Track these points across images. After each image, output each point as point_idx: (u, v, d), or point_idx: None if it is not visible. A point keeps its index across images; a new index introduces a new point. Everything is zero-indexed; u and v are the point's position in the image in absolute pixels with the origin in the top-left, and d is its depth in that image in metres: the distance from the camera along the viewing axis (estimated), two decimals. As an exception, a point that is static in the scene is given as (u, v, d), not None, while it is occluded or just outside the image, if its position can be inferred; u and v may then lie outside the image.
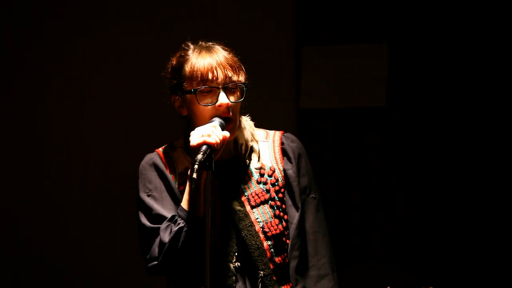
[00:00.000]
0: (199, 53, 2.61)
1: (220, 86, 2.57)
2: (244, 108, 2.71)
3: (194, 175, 2.38)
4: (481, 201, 4.50)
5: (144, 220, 2.62)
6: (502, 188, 4.48)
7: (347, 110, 4.66)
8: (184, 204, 2.55)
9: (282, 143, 2.73)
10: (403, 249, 4.58)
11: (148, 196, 2.64)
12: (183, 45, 2.67)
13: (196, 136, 2.49)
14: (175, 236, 2.52)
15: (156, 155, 2.70)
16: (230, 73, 2.59)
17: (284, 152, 2.72)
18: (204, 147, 2.46)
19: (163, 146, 2.73)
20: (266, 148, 2.73)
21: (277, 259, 2.62)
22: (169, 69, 2.67)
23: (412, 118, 4.60)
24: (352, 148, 4.64)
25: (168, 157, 2.69)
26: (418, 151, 4.60)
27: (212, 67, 2.57)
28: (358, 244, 4.61)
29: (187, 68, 2.60)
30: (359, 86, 4.66)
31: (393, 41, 4.63)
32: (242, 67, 2.64)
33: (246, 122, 2.72)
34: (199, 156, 2.42)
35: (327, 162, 4.62)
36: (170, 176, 2.65)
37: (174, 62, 2.65)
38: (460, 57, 4.54)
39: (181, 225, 2.52)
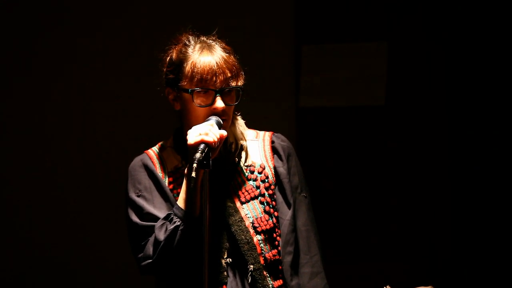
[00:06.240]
0: (200, 52, 2.60)
1: (217, 90, 2.58)
2: (244, 107, 2.72)
3: (193, 174, 2.38)
4: (481, 199, 4.50)
5: (135, 218, 2.61)
6: (502, 186, 4.48)
7: (346, 109, 4.66)
8: (181, 203, 2.55)
9: (272, 142, 2.74)
10: (402, 248, 4.58)
11: (138, 196, 2.64)
12: (183, 38, 2.66)
13: (194, 135, 2.49)
14: (171, 235, 2.52)
15: (145, 156, 2.70)
16: (228, 78, 2.59)
17: (274, 150, 2.73)
18: (202, 146, 2.46)
19: (152, 148, 2.73)
20: (256, 147, 2.74)
21: (267, 255, 2.63)
22: (167, 61, 2.66)
23: (411, 117, 4.60)
24: (351, 146, 4.64)
25: (157, 157, 2.69)
26: (417, 149, 4.60)
27: (212, 70, 2.57)
28: (357, 242, 4.61)
29: (187, 66, 2.59)
30: (359, 85, 4.66)
31: (392, 40, 4.63)
32: (241, 70, 2.65)
33: (237, 120, 2.73)
34: (198, 155, 2.42)
35: (325, 161, 4.63)
36: (160, 175, 2.66)
37: (174, 56, 2.64)
38: (458, 56, 4.54)
39: (177, 223, 2.52)
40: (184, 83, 2.60)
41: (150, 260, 2.56)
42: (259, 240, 2.63)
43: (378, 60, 4.64)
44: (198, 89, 2.57)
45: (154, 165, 2.67)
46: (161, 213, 2.59)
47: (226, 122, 2.61)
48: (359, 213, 4.62)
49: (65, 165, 4.72)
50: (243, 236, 2.61)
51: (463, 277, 4.50)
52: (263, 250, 2.63)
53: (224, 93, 2.59)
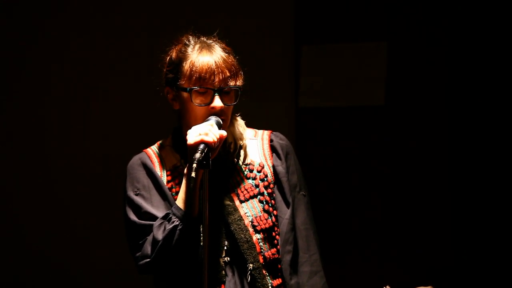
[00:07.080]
0: (199, 51, 2.61)
1: (215, 89, 2.58)
2: (244, 107, 2.72)
3: (193, 174, 2.38)
4: (480, 199, 4.50)
5: (133, 217, 2.61)
6: (502, 187, 4.48)
7: (346, 109, 4.66)
8: (180, 202, 2.55)
9: (271, 140, 2.75)
10: (402, 248, 4.58)
11: (136, 195, 2.64)
12: (184, 39, 2.67)
13: (194, 135, 2.49)
14: (169, 234, 2.52)
15: (144, 155, 2.71)
16: (227, 77, 2.59)
17: (273, 149, 2.74)
18: (201, 146, 2.46)
19: (151, 146, 2.74)
20: (255, 146, 2.74)
21: (266, 254, 2.63)
22: (167, 61, 2.67)
23: (411, 117, 4.60)
24: (351, 146, 4.64)
25: (156, 156, 2.70)
26: (417, 149, 4.60)
27: (210, 69, 2.58)
28: (357, 242, 4.61)
29: (186, 65, 2.60)
30: (358, 85, 4.66)
31: (392, 40, 4.63)
32: (241, 70, 2.65)
33: (236, 121, 2.73)
34: (197, 155, 2.42)
35: (325, 161, 4.63)
36: (158, 174, 2.66)
37: (174, 56, 2.65)
38: (458, 56, 4.54)
39: (176, 223, 2.52)
40: (183, 82, 2.60)
41: (148, 259, 2.56)
42: (258, 239, 2.63)
43: (378, 60, 4.64)
44: (196, 88, 2.58)
45: (152, 163, 2.68)
46: (159, 212, 2.59)
47: (224, 122, 2.61)
48: (359, 213, 4.62)
49: (64, 164, 4.72)
50: (242, 235, 2.61)
51: (463, 277, 4.50)
52: (262, 249, 2.63)
53: (222, 92, 2.59)
